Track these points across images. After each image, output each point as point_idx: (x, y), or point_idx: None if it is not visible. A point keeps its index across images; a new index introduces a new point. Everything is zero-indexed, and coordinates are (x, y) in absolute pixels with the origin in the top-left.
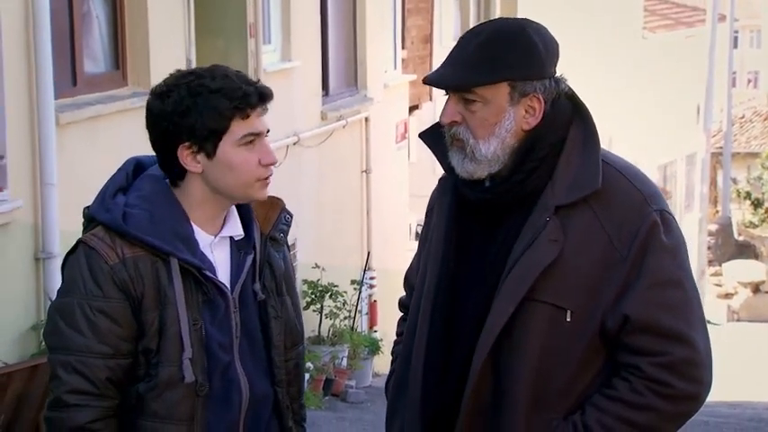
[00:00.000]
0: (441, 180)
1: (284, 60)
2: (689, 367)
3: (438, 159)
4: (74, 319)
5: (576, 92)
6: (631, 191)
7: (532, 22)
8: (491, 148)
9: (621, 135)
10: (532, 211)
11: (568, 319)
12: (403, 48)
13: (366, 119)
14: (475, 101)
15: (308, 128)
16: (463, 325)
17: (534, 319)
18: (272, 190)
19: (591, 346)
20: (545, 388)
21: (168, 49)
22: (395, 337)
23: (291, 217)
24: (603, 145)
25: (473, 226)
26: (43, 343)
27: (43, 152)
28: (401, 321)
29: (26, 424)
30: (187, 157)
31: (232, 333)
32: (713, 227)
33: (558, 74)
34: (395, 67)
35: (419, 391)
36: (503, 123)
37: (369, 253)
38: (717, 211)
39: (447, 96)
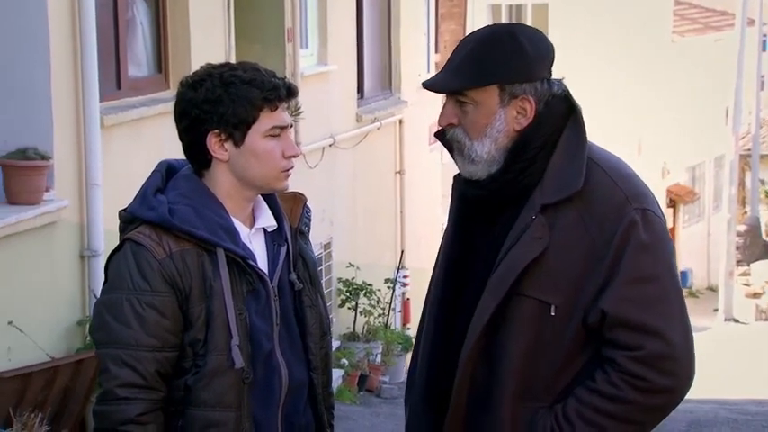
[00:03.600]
0: (454, 178)
1: (320, 64)
2: (663, 361)
3: (452, 157)
4: (122, 313)
5: (605, 95)
6: (614, 191)
7: (527, 27)
8: (485, 149)
9: (651, 137)
10: (522, 210)
11: (553, 314)
12: (436, 51)
13: (400, 121)
14: (467, 103)
15: (343, 130)
16: (462, 318)
17: (521, 313)
18: (309, 190)
19: (575, 339)
20: (532, 379)
21: (209, 53)
22: None
23: (311, 212)
24: (633, 148)
25: (475, 223)
26: (88, 338)
27: (88, 153)
28: None
29: (71, 416)
30: (215, 145)
31: (273, 321)
32: (741, 227)
33: (553, 76)
34: (428, 71)
35: (424, 378)
36: (494, 124)
37: (402, 252)
38: (745, 212)
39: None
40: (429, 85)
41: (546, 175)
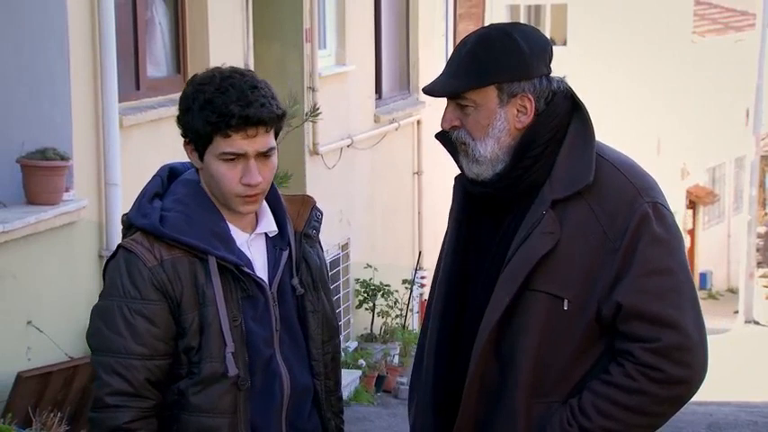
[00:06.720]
0: (455, 178)
1: (339, 65)
2: (679, 352)
3: (453, 158)
4: (113, 320)
5: (624, 95)
6: (624, 184)
7: (522, 24)
8: (488, 148)
9: (670, 138)
10: (532, 206)
11: (566, 308)
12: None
13: (418, 122)
14: (467, 105)
15: (361, 130)
16: (471, 315)
17: (533, 308)
18: (327, 191)
19: (588, 333)
20: (545, 374)
21: (227, 53)
22: None
23: (322, 214)
24: (652, 148)
25: (481, 221)
26: None
27: (107, 154)
28: None
29: None
30: (190, 152)
31: (272, 327)
32: (762, 229)
33: (553, 73)
34: None
35: (431, 377)
36: (495, 124)
37: (420, 253)
38: (766, 214)
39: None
40: (428, 91)
41: (554, 171)
